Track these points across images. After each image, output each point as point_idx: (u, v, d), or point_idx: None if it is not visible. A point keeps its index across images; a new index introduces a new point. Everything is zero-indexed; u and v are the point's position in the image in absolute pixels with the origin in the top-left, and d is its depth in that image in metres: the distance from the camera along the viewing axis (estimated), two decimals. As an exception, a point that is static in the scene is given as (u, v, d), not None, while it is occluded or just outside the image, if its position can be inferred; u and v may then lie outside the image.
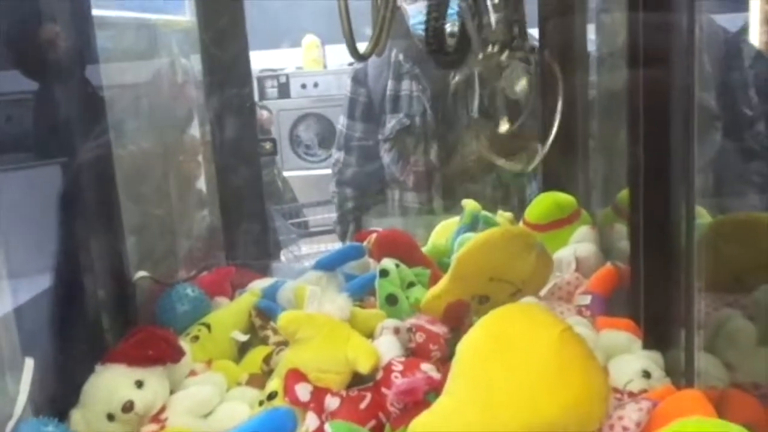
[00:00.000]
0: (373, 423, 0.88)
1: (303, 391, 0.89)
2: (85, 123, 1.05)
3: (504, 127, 1.14)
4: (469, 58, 1.08)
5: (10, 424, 0.79)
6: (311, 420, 0.87)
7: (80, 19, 1.07)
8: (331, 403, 0.89)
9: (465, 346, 0.80)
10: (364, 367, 0.91)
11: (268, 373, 1.08)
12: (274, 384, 0.94)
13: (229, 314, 1.17)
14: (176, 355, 0.98)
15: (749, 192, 1.07)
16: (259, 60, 3.21)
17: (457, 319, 1.04)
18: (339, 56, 3.44)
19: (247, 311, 1.17)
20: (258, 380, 1.05)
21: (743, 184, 1.06)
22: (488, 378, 0.76)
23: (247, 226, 1.50)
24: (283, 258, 2.32)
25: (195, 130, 1.51)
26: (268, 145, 1.49)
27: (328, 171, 2.02)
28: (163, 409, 0.94)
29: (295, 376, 0.90)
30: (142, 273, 1.13)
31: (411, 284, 1.20)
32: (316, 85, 3.61)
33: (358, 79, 1.90)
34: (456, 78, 1.14)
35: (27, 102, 1.04)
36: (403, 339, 0.99)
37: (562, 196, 1.33)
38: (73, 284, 0.98)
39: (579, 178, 1.46)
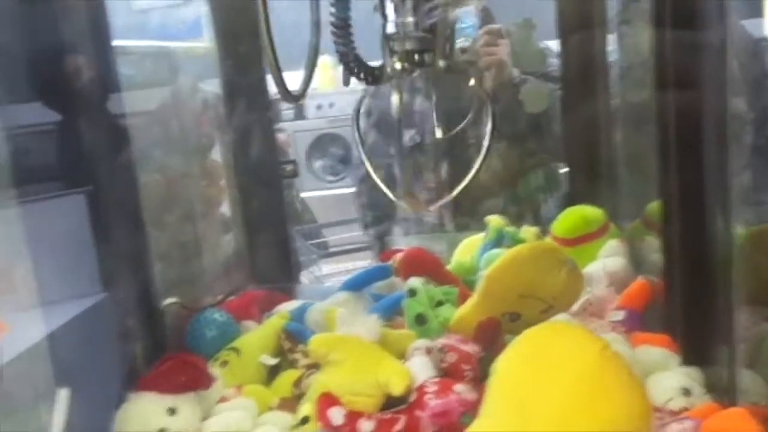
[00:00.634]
0: (407, 446, 0.87)
1: (337, 415, 0.88)
2: (110, 151, 1.06)
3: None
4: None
5: (46, 455, 0.79)
6: (346, 445, 0.86)
7: (102, 49, 1.08)
8: (365, 426, 0.88)
9: (501, 366, 0.79)
10: (396, 389, 0.89)
11: (299, 397, 1.07)
12: (306, 408, 0.93)
13: (258, 338, 1.16)
14: (207, 381, 0.97)
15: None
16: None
17: (489, 337, 1.03)
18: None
19: (275, 334, 1.16)
20: (289, 404, 1.04)
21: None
22: (527, 399, 0.75)
23: (271, 249, 1.50)
24: (304, 279, 2.32)
25: (216, 155, 1.51)
26: (289, 168, 1.49)
27: (346, 191, 2.02)
28: (195, 436, 0.94)
29: (328, 399, 0.89)
30: (170, 299, 1.13)
31: (439, 303, 1.18)
32: (331, 105, 3.62)
33: (375, 96, 1.89)
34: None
35: (51, 132, 1.05)
36: (435, 359, 0.98)
37: (589, 209, 1.31)
38: (102, 311, 0.98)
39: (604, 191, 1.44)
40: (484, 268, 1.33)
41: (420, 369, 0.93)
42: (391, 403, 0.92)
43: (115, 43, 1.12)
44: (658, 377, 0.91)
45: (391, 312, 1.17)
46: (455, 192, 1.14)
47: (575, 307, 1.14)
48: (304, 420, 0.91)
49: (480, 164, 1.12)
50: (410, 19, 0.92)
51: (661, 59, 0.92)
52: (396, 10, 0.93)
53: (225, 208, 1.47)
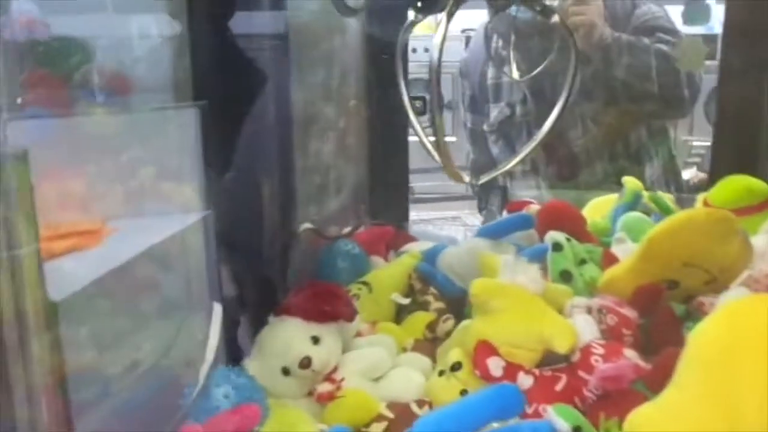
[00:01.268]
0: (567, 407, 0.81)
1: (495, 366, 0.82)
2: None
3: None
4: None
5: (204, 368, 0.76)
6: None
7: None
8: (525, 381, 0.82)
9: (702, 336, 0.71)
10: (562, 347, 0.83)
11: (432, 341, 1.02)
12: (457, 354, 0.87)
13: (389, 275, 1.12)
14: (352, 313, 0.93)
15: None
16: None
17: (649, 304, 0.95)
18: (455, 21, 3.33)
19: (406, 273, 1.12)
20: (423, 347, 1.00)
21: None
22: (733, 374, 0.68)
23: (392, 187, 1.45)
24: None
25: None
26: (418, 104, 1.42)
27: (430, 138, 1.96)
28: (335, 369, 0.90)
29: (487, 349, 0.84)
30: (307, 224, 1.09)
31: (583, 261, 1.11)
32: (426, 50, 3.52)
33: (462, 71, 1.88)
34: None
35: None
36: (594, 320, 0.91)
37: (754, 180, 1.20)
38: (250, 228, 0.95)
39: (760, 162, 1.33)
40: (620, 231, 1.26)
41: (584, 328, 0.86)
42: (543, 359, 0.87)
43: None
44: None
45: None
46: (540, 136, 1.10)
47: (736, 281, 1.05)
48: (455, 366, 0.86)
49: (564, 103, 1.05)
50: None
51: None
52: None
53: (352, 141, 1.42)
